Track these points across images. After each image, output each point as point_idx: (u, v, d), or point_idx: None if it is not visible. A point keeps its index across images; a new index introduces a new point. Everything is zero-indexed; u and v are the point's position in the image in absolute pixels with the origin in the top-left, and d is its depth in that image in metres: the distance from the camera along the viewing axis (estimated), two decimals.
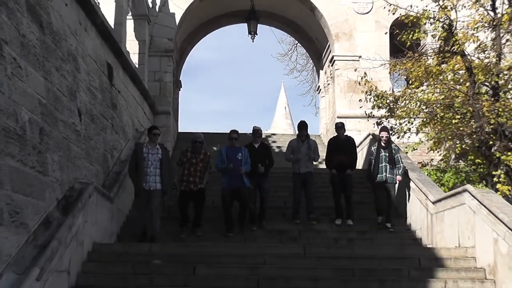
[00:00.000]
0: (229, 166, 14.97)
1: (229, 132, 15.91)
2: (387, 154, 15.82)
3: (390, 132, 18.63)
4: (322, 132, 29.62)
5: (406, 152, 18.41)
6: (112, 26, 18.39)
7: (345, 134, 16.85)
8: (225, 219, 15.17)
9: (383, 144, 15.94)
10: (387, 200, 15.97)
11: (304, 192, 16.20)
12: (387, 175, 15.79)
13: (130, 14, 22.48)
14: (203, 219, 15.30)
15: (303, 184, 16.11)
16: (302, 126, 16.48)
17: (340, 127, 16.72)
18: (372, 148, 16.43)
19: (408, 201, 16.46)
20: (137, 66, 22.08)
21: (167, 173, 14.56)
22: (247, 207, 15.33)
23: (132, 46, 22.52)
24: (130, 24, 22.59)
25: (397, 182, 16.03)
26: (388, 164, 15.78)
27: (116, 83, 18.17)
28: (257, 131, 16.63)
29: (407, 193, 16.48)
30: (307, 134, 16.62)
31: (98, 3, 17.18)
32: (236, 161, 15.12)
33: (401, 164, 16.09)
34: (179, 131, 29.17)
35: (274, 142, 28.32)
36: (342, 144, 16.40)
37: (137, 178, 14.24)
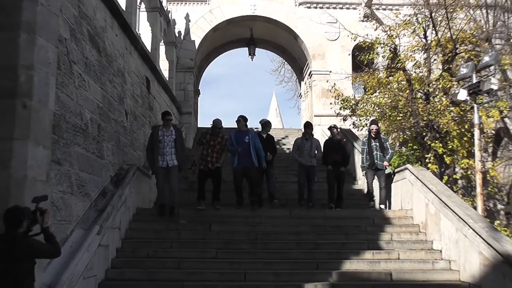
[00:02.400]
0: (237, 149, 13.17)
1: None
2: (378, 144, 13.85)
3: (352, 126, 18.78)
4: (302, 127, 29.62)
5: None
6: (149, 50, 18.47)
7: (338, 136, 14.63)
8: (236, 195, 13.39)
9: (373, 135, 13.99)
10: (380, 183, 13.91)
11: (307, 184, 14.15)
12: (378, 162, 13.77)
13: (162, 41, 22.53)
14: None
15: (306, 175, 14.13)
16: (308, 125, 14.86)
17: (332, 127, 14.67)
18: (364, 139, 14.41)
19: None
20: (167, 79, 22.12)
21: (181, 151, 12.75)
22: (256, 185, 13.42)
23: (164, 65, 22.56)
24: (162, 48, 22.63)
25: (386, 168, 14.05)
26: (379, 153, 13.79)
27: (152, 91, 18.27)
28: (266, 123, 14.95)
29: None
30: (311, 133, 14.78)
31: (139, 34, 17.29)
32: (244, 143, 13.27)
33: (390, 151, 14.15)
34: (198, 126, 29.19)
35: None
36: (335, 145, 14.36)
37: (152, 158, 12.58)
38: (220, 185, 13.33)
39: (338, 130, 14.90)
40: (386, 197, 13.91)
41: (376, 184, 14.18)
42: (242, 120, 13.87)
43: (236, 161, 13.30)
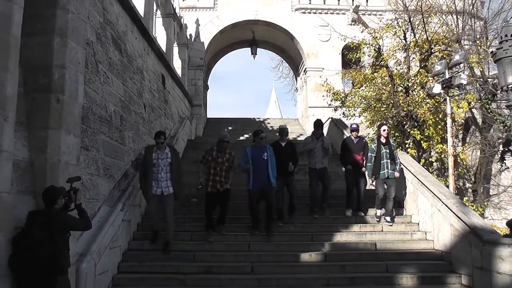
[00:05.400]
0: (248, 168, 10.49)
1: (253, 132, 11.23)
2: (388, 151, 11.47)
3: (342, 115, 18.78)
4: (298, 117, 29.71)
5: None
6: (164, 51, 18.49)
7: (358, 135, 12.40)
8: (252, 220, 10.76)
9: (383, 141, 11.57)
10: (388, 195, 11.37)
11: (321, 185, 11.84)
12: (389, 171, 11.38)
13: (175, 43, 22.58)
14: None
15: (320, 178, 11.83)
16: (318, 125, 12.11)
17: (355, 129, 12.35)
18: (373, 146, 11.74)
19: None
20: (180, 76, 22.14)
21: (177, 177, 10.17)
22: (274, 208, 10.75)
23: (177, 63, 22.56)
24: (175, 49, 22.67)
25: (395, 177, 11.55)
26: (389, 161, 11.40)
27: (167, 87, 18.30)
28: (283, 129, 11.92)
29: None
30: (322, 133, 12.23)
31: (156, 37, 17.32)
32: (262, 161, 10.52)
33: (398, 160, 11.65)
34: (208, 117, 29.32)
35: (268, 123, 28.39)
36: (355, 145, 12.20)
37: (145, 184, 10.02)
38: (227, 209, 10.78)
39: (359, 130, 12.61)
40: (393, 209, 11.59)
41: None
42: (264, 137, 10.98)
43: (252, 182, 10.57)
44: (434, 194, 10.49)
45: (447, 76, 13.21)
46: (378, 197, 11.53)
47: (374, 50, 18.24)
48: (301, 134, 25.04)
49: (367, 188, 12.36)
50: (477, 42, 18.91)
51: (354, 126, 12.50)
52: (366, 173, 12.05)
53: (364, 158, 12.06)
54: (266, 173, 10.50)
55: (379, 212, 11.54)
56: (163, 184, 9.95)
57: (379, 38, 17.99)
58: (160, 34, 19.71)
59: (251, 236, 10.66)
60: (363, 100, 18.00)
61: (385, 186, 11.50)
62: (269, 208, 10.69)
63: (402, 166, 11.97)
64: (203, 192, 10.61)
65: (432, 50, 17.58)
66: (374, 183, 11.82)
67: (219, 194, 10.49)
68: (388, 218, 11.43)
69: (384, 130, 11.64)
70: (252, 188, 10.54)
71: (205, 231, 10.61)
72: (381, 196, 11.46)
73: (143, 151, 11.32)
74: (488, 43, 19.22)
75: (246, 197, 10.84)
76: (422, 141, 16.76)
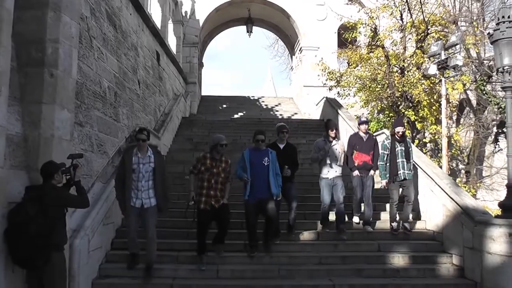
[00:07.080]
0: (245, 179, 8.83)
1: (254, 133, 9.30)
2: (403, 148, 10.00)
3: (337, 95, 18.77)
4: (293, 96, 29.76)
5: (347, 108, 18.64)
6: (159, 28, 18.39)
7: (366, 130, 10.66)
8: (249, 237, 9.19)
9: (398, 138, 10.08)
10: (407, 198, 10.08)
11: (336, 202, 10.05)
12: (405, 171, 9.94)
13: (170, 20, 22.46)
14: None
15: (334, 189, 9.99)
16: (331, 124, 10.32)
17: (364, 122, 10.66)
18: (386, 142, 10.23)
19: None
20: (175, 53, 22.08)
21: (162, 185, 8.22)
22: (274, 222, 9.14)
23: (172, 40, 22.53)
24: (170, 26, 22.59)
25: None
26: (404, 160, 9.96)
27: (162, 64, 18.24)
28: (281, 126, 9.91)
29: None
30: (336, 134, 10.23)
31: (151, 13, 17.21)
32: (261, 167, 8.86)
33: (412, 160, 10.27)
34: (202, 94, 29.30)
35: (263, 102, 28.43)
36: (364, 143, 10.47)
37: (123, 194, 8.07)
38: (227, 228, 8.98)
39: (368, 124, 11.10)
40: (410, 215, 10.47)
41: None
42: (262, 139, 9.16)
43: (248, 193, 8.93)
44: (428, 175, 10.52)
45: (443, 57, 13.23)
46: (392, 204, 10.23)
47: (370, 30, 18.22)
48: (296, 113, 25.09)
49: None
50: (474, 23, 18.86)
51: (363, 118, 10.92)
52: (378, 173, 10.52)
53: (373, 159, 10.48)
54: (265, 182, 8.86)
55: (395, 224, 10.24)
56: (143, 194, 8.13)
57: (376, 18, 17.94)
58: (155, 11, 19.60)
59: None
60: (358, 80, 18.02)
61: (401, 189, 10.30)
62: (269, 223, 9.14)
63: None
64: (195, 208, 8.75)
65: (429, 31, 17.54)
66: (387, 186, 10.28)
67: (214, 212, 8.69)
68: (406, 225, 10.21)
69: (398, 132, 10.13)
70: (249, 199, 8.93)
71: (197, 255, 8.93)
72: (396, 202, 10.12)
73: (122, 148, 10.41)
74: (485, 25, 19.21)
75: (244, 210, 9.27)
76: (416, 122, 16.82)
